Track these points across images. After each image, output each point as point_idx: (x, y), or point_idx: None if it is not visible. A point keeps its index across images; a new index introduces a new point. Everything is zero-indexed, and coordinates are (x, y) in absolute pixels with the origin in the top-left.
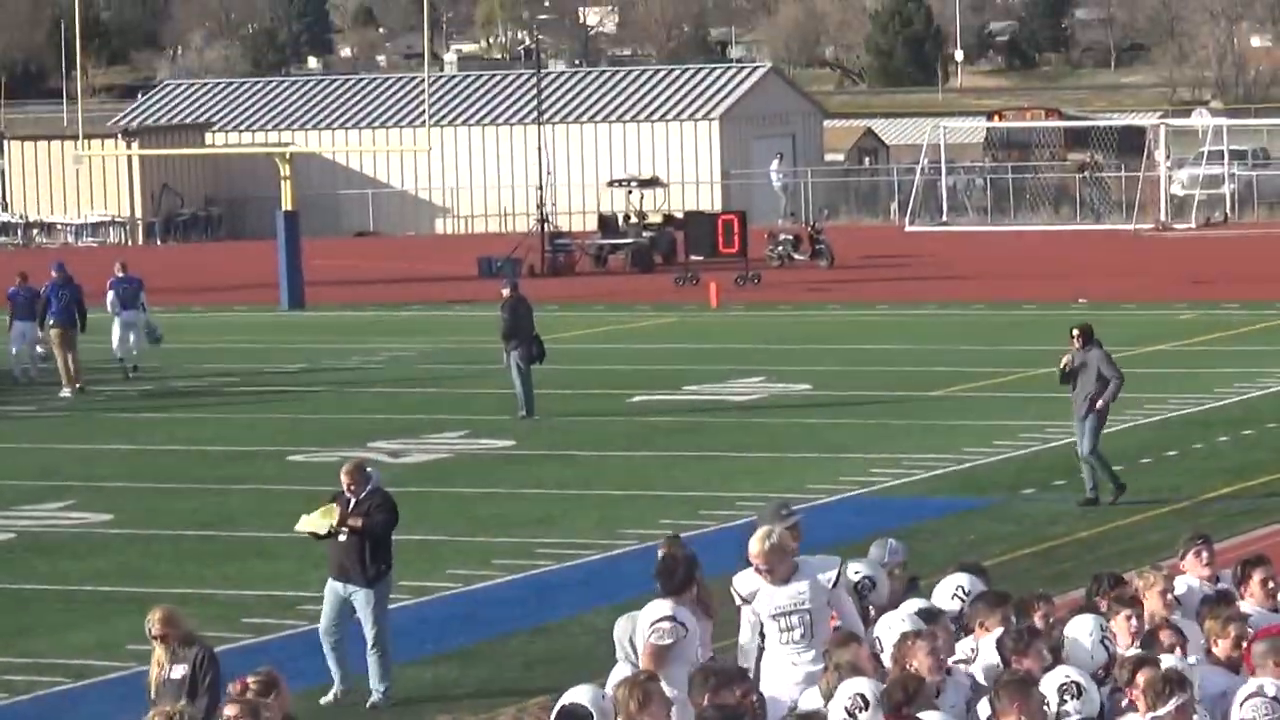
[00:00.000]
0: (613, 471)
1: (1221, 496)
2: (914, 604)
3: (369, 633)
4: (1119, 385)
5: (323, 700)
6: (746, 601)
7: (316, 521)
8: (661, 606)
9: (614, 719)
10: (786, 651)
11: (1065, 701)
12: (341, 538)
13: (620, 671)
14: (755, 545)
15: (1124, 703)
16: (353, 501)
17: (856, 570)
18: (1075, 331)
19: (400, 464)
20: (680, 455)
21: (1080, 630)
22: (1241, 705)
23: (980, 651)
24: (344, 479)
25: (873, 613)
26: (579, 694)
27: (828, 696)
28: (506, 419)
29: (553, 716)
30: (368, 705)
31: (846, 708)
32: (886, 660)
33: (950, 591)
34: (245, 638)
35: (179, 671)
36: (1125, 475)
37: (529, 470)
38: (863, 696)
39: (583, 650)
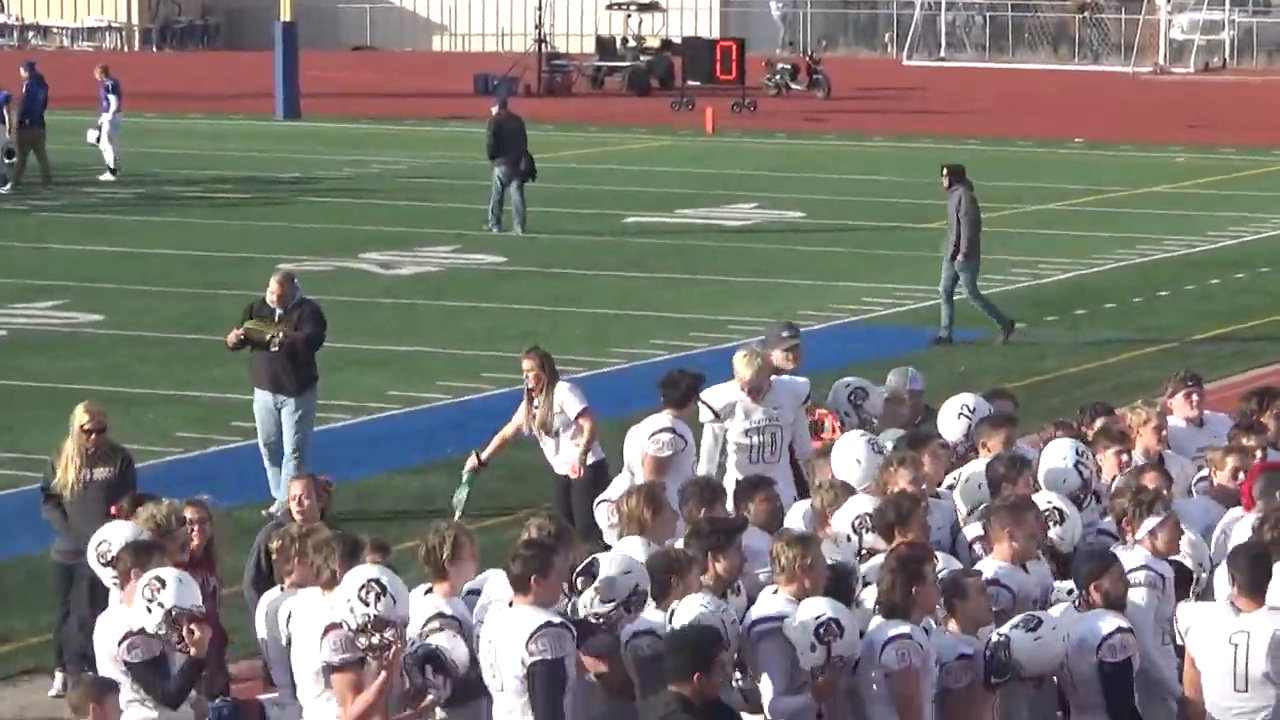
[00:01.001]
0: (604, 290)
1: (1211, 338)
2: (896, 432)
3: (290, 441)
4: (971, 231)
5: (264, 512)
6: (718, 418)
7: (259, 326)
8: (661, 418)
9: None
10: (755, 468)
11: (1049, 528)
12: (274, 348)
13: (622, 481)
14: (745, 368)
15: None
16: (278, 313)
17: (848, 383)
18: (944, 170)
19: (391, 275)
20: (672, 277)
21: (1055, 454)
22: (1231, 532)
23: (966, 474)
24: (273, 288)
25: (875, 424)
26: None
27: (821, 512)
28: (497, 234)
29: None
30: (265, 513)
31: (854, 525)
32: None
33: (956, 411)
34: (231, 440)
35: (102, 473)
36: (1116, 314)
37: (520, 286)
38: (870, 517)
39: None
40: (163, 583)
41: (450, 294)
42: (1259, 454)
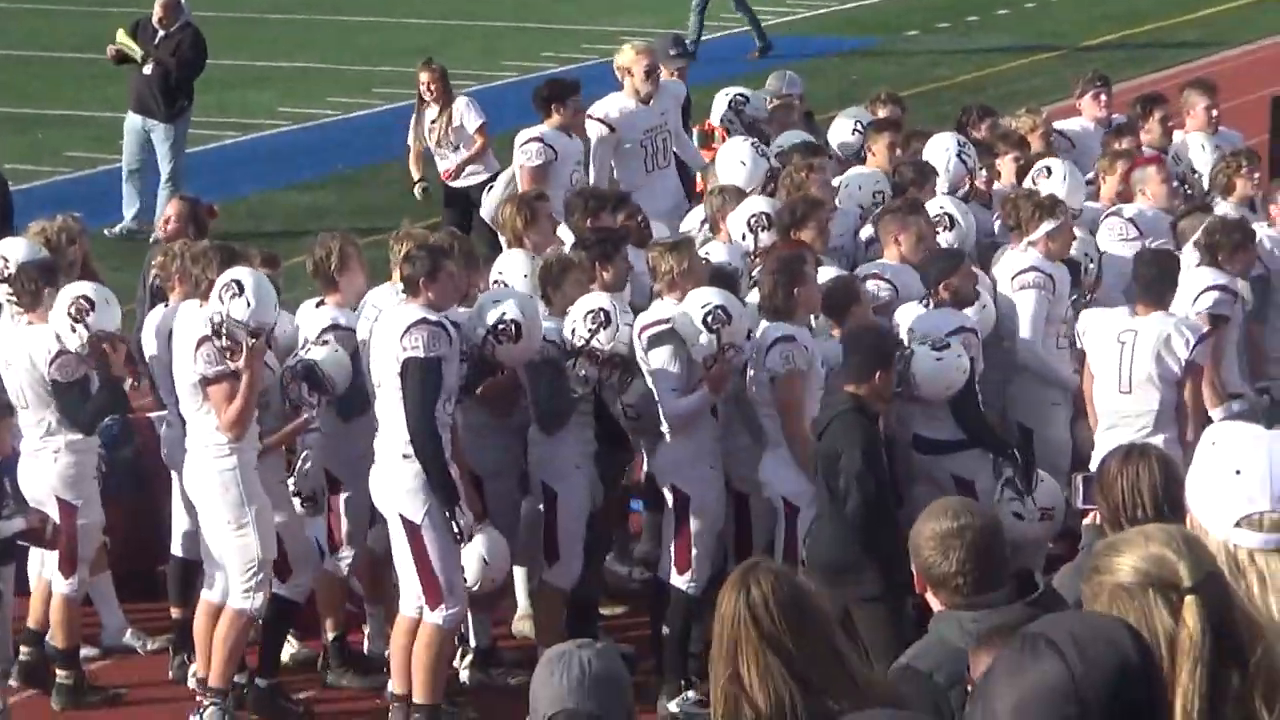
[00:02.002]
0: (497, 3)
1: (1106, 43)
2: (794, 135)
3: (165, 168)
4: None
5: (107, 231)
6: (611, 129)
7: (130, 44)
8: (531, 130)
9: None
10: (651, 176)
11: (938, 234)
12: (146, 70)
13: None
14: (645, 56)
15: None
16: (160, 34)
17: (728, 91)
18: None
19: None
20: None
21: (937, 146)
22: (1101, 223)
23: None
24: (157, 9)
25: (766, 130)
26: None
27: (712, 218)
28: None
29: None
30: (151, 240)
31: (750, 223)
32: (726, 176)
33: (850, 127)
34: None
35: None
36: (1010, 19)
37: (412, 1)
38: (766, 216)
39: None
40: (91, 304)
41: (342, 8)
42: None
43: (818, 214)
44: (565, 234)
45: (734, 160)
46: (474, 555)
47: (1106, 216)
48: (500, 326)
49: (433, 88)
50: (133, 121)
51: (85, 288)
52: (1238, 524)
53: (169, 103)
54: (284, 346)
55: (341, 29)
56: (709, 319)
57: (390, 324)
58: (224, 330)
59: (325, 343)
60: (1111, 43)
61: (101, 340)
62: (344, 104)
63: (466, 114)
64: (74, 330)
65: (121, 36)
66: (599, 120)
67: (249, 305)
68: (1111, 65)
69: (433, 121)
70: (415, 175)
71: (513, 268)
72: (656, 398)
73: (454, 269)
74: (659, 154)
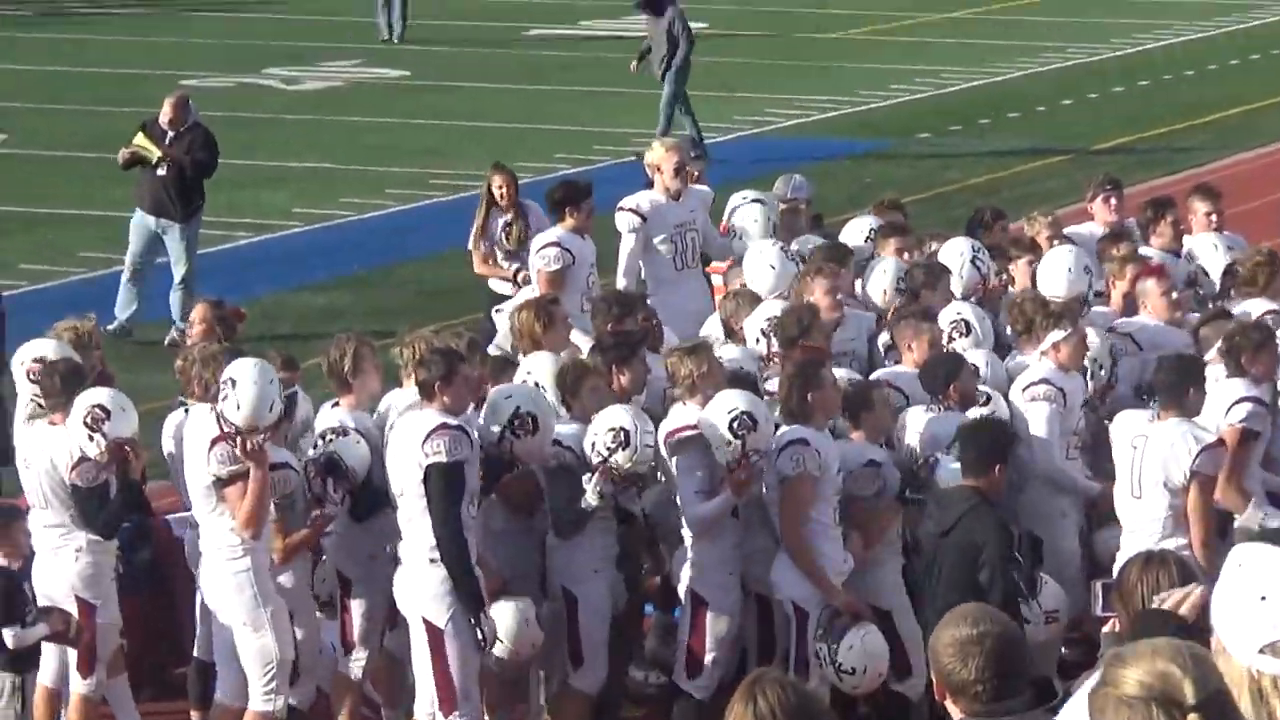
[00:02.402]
0: (507, 104)
1: (1118, 146)
2: (814, 239)
3: (179, 269)
4: (689, 50)
5: (108, 328)
6: (645, 222)
7: (148, 145)
8: (547, 234)
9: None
10: (680, 275)
11: (954, 339)
12: (161, 171)
13: (524, 294)
14: (675, 153)
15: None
16: (170, 135)
17: (744, 195)
18: None
19: (294, 91)
20: (575, 90)
21: (952, 251)
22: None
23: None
24: (166, 110)
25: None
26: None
27: (726, 322)
28: (400, 48)
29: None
30: (165, 342)
31: (764, 329)
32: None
33: (863, 233)
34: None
35: None
36: (1022, 122)
37: (422, 100)
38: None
39: (473, 280)
40: (106, 413)
41: (353, 109)
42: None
43: (817, 323)
44: (579, 338)
45: (763, 264)
46: (507, 616)
47: (1107, 333)
48: (517, 421)
49: (505, 191)
50: (143, 221)
51: (101, 395)
52: (1262, 650)
53: (185, 202)
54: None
55: (353, 129)
56: (735, 424)
57: (410, 431)
58: (221, 425)
59: (345, 433)
60: (1123, 146)
61: (120, 445)
62: (357, 205)
63: (543, 220)
64: (91, 439)
65: (140, 139)
66: (630, 210)
67: (238, 407)
68: (1123, 168)
69: (506, 224)
70: (493, 272)
71: (540, 368)
72: (679, 502)
73: (469, 371)
74: (688, 252)
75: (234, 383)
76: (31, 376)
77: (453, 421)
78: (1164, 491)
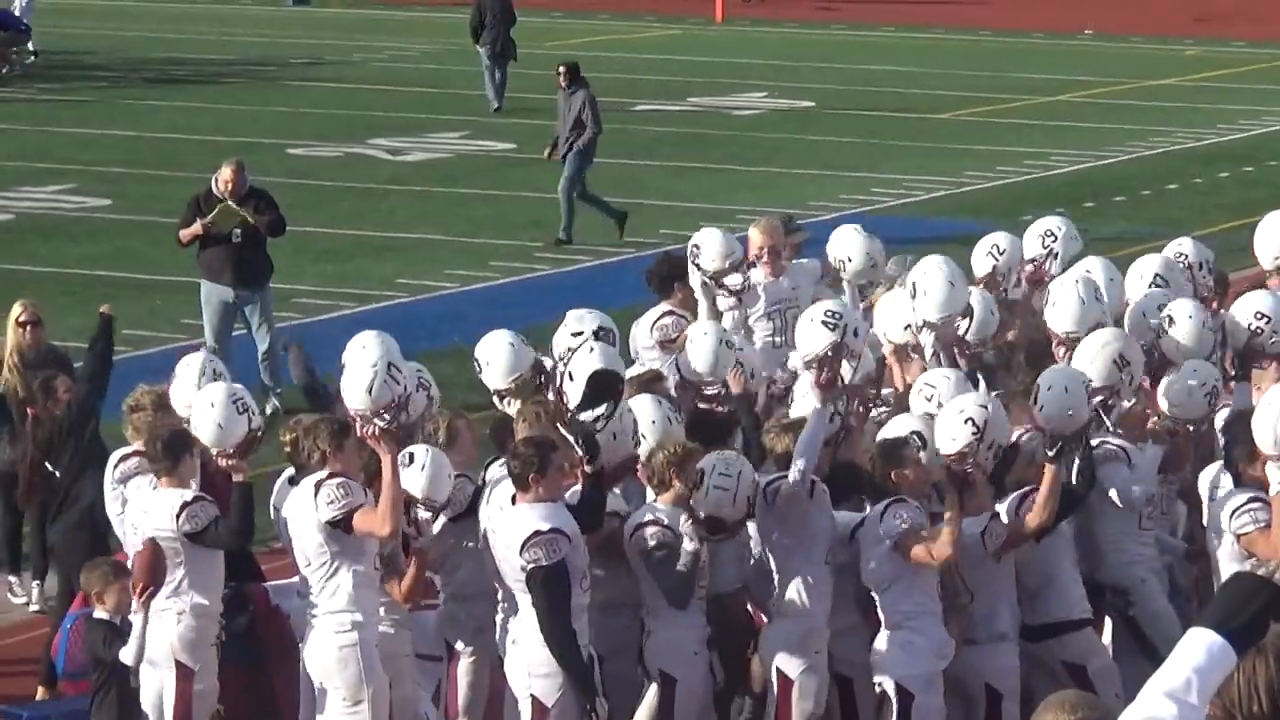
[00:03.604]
0: (614, 178)
1: (1221, 232)
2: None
3: (266, 337)
4: (594, 135)
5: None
6: (740, 302)
7: (230, 211)
8: (653, 312)
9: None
10: (778, 353)
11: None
12: (235, 238)
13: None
14: (758, 234)
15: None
16: (228, 202)
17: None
18: (561, 69)
19: (400, 161)
20: (682, 166)
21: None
22: None
23: None
24: (226, 176)
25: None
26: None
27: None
28: (508, 122)
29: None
30: (269, 411)
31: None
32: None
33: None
34: (239, 327)
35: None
36: (1126, 207)
37: (529, 173)
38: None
39: None
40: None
41: (459, 181)
42: None
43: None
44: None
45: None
46: None
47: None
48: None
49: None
50: (221, 294)
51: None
52: None
53: (266, 268)
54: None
55: (458, 201)
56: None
57: (509, 534)
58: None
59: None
60: (1225, 231)
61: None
62: (461, 276)
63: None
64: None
65: (216, 214)
66: (727, 288)
67: (394, 383)
68: (1225, 255)
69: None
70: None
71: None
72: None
73: (561, 459)
74: (789, 328)
75: (412, 456)
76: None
77: (545, 528)
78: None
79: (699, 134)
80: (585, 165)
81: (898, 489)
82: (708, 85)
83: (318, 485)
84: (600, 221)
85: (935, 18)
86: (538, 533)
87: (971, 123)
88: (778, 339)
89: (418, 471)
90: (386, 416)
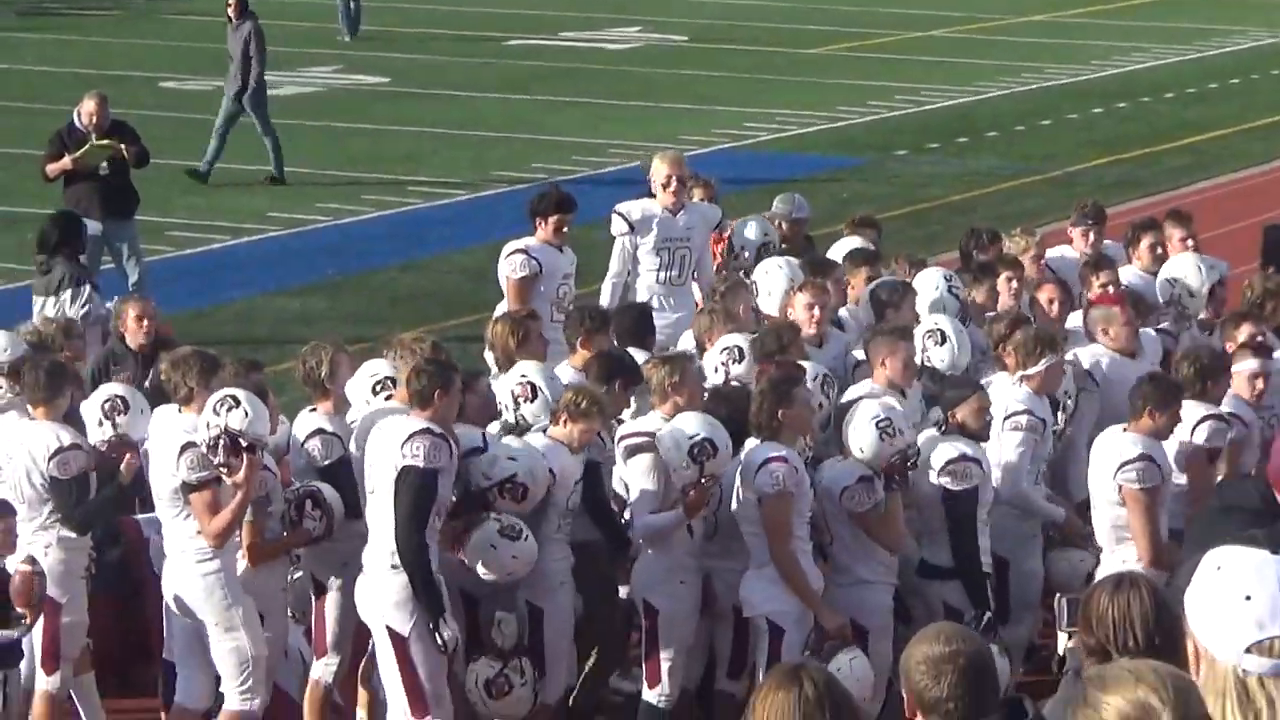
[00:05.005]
0: (486, 113)
1: (1094, 167)
2: (784, 259)
3: (137, 269)
4: (260, 67)
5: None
6: (633, 230)
7: (102, 144)
8: (516, 242)
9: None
10: (660, 289)
11: (927, 350)
12: (103, 172)
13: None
14: (664, 166)
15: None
16: (93, 136)
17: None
18: (231, 1)
19: (272, 95)
20: (555, 100)
21: (927, 283)
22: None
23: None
24: (90, 109)
25: (746, 255)
26: None
27: (699, 339)
28: (380, 56)
29: None
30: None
31: (722, 361)
32: (762, 303)
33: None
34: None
35: None
36: (1000, 142)
37: (401, 107)
38: (739, 349)
39: (450, 287)
40: (126, 406)
41: (331, 115)
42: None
43: (798, 341)
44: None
45: (780, 280)
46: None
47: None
48: (508, 486)
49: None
50: (91, 228)
51: (123, 389)
52: (1248, 650)
53: (133, 200)
54: (276, 447)
55: (331, 135)
56: (695, 450)
57: (392, 432)
58: (219, 443)
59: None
60: (1100, 167)
61: (125, 443)
62: (334, 210)
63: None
64: (101, 425)
65: (85, 150)
66: (620, 215)
67: (246, 416)
68: (1099, 190)
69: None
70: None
71: (535, 374)
72: (629, 507)
73: (460, 384)
74: (674, 267)
75: (235, 399)
76: None
77: (437, 429)
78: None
79: (572, 68)
80: (263, 102)
81: (780, 430)
82: (581, 20)
83: (184, 447)
84: (466, 155)
85: None
86: (427, 431)
87: (843, 57)
88: (662, 274)
89: (241, 413)
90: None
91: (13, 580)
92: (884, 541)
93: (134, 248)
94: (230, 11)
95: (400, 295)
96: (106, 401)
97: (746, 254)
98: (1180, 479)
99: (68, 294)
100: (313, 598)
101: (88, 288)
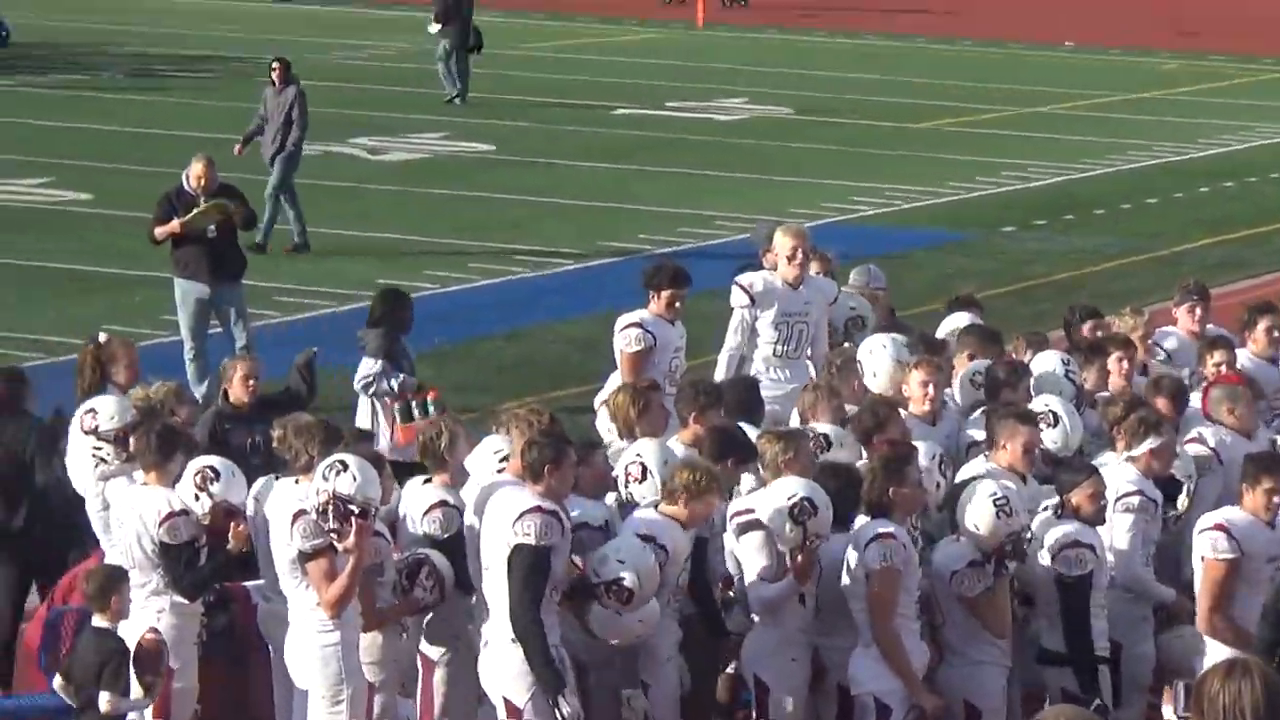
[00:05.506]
0: (592, 183)
1: (1200, 247)
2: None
3: (244, 333)
4: (300, 135)
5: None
6: (754, 303)
7: (215, 205)
8: (630, 316)
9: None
10: (776, 362)
11: (1042, 430)
12: (210, 235)
13: (615, 378)
14: (789, 238)
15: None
16: (202, 199)
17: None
18: (275, 64)
19: (378, 161)
20: (661, 171)
21: (1046, 364)
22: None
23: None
24: (198, 172)
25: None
26: None
27: (803, 415)
28: (486, 123)
29: None
30: None
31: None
32: (868, 382)
33: (951, 331)
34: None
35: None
36: (1105, 220)
37: (508, 176)
38: (826, 438)
39: (555, 357)
40: (217, 475)
41: (438, 182)
42: (1223, 368)
43: (895, 417)
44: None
45: (885, 360)
46: None
47: (1188, 442)
48: (614, 588)
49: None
50: (198, 291)
51: (213, 458)
52: None
53: (240, 263)
54: (388, 513)
55: (437, 202)
56: (795, 511)
57: (504, 507)
58: (329, 508)
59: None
60: (1205, 247)
61: (226, 509)
62: (440, 277)
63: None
64: (197, 498)
65: (196, 213)
66: (742, 287)
67: (354, 480)
68: (1204, 270)
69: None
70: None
71: (649, 454)
72: (745, 584)
73: (574, 458)
74: (792, 341)
75: (344, 463)
76: (84, 429)
77: (548, 505)
78: None
79: (678, 139)
80: (293, 168)
81: (892, 508)
82: (687, 90)
83: (296, 515)
84: (572, 225)
85: (916, 26)
86: (538, 509)
87: (951, 133)
88: (779, 348)
89: (349, 478)
90: (363, 517)
91: (139, 649)
92: (989, 625)
93: (241, 311)
94: (274, 75)
95: (506, 364)
96: (197, 474)
97: (836, 327)
98: None
99: None
100: (420, 670)
101: None
